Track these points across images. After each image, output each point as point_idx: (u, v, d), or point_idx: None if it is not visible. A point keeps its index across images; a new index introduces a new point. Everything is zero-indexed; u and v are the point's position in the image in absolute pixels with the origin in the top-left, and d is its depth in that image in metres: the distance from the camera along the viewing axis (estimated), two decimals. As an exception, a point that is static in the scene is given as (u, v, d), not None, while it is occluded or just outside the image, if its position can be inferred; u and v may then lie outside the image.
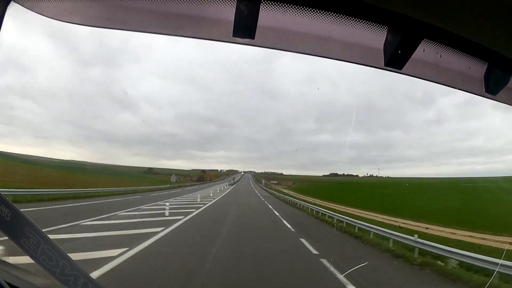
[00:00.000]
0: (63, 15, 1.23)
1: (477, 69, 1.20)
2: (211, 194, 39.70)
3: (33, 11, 1.25)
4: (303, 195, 54.88)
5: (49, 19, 1.28)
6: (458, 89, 1.20)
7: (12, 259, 1.46)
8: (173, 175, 58.86)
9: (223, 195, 40.73)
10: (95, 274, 5.70)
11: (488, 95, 1.27)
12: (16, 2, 1.29)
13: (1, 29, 1.31)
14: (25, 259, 1.22)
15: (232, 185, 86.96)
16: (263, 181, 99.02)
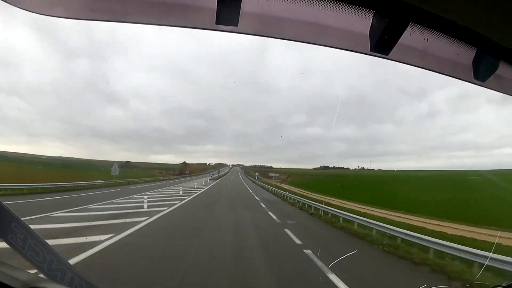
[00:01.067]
0: (46, 9, 1.21)
1: (466, 54, 1.19)
2: (168, 199, 23.51)
3: (15, 6, 1.23)
4: (314, 192, 42.99)
5: (32, 13, 1.26)
6: (447, 75, 1.19)
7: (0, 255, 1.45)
8: (115, 165, 35.20)
9: (190, 202, 23.04)
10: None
11: (477, 82, 1.26)
12: None
13: None
14: (12, 255, 1.21)
15: (216, 179, 73.24)
16: (256, 174, 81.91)
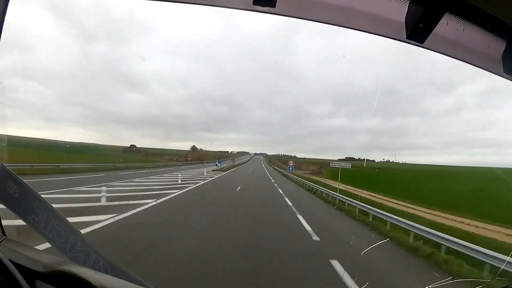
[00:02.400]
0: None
1: (496, 47, 1.18)
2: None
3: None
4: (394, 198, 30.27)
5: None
6: (477, 67, 1.19)
7: (19, 237, 1.43)
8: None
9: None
10: None
11: (506, 75, 1.25)
12: None
13: (6, 14, 1.27)
14: (34, 237, 1.19)
15: (224, 171, 47.66)
16: (290, 164, 55.63)
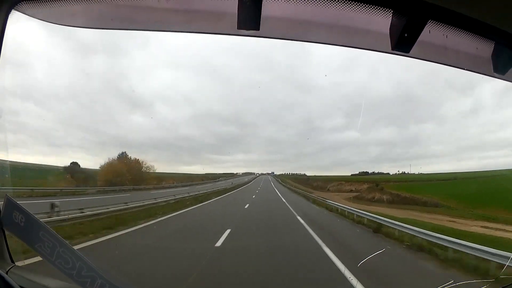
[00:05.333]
0: (66, 20, 1.24)
1: (485, 49, 1.19)
2: None
3: (35, 18, 1.26)
4: None
5: (53, 24, 1.29)
6: (466, 70, 1.19)
7: (27, 263, 1.47)
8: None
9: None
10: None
11: (497, 75, 1.25)
12: (17, 10, 1.30)
13: (4, 37, 1.32)
14: (41, 263, 1.23)
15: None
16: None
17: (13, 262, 1.36)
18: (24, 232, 1.20)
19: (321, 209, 21.57)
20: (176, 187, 38.48)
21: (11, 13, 1.28)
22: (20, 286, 0.99)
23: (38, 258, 1.23)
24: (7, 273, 1.18)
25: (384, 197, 37.22)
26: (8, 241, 1.32)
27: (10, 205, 1.20)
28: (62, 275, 1.17)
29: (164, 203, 18.33)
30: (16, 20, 1.31)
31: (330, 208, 20.67)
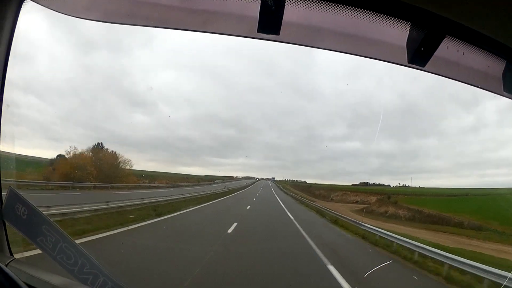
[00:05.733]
0: (79, 11, 1.22)
1: (496, 67, 1.20)
2: None
3: (49, 8, 1.24)
4: None
5: (64, 16, 1.27)
6: (478, 87, 1.21)
7: (29, 258, 1.45)
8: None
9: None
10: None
11: (506, 94, 1.27)
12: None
13: (17, 26, 1.30)
14: (40, 256, 1.20)
15: None
16: None
17: (12, 255, 1.33)
18: (25, 225, 1.18)
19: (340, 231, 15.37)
20: (158, 187, 33.49)
21: (25, 2, 1.27)
22: (21, 280, 0.98)
23: (37, 251, 1.21)
24: (7, 266, 1.15)
25: (401, 212, 31.79)
26: (8, 234, 1.30)
27: (13, 197, 1.18)
28: (63, 271, 1.15)
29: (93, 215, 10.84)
30: (29, 9, 1.29)
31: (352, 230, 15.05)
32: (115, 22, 1.15)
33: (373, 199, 41.09)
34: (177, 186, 37.07)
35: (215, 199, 26.07)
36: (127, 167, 32.83)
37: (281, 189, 60.95)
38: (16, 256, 1.32)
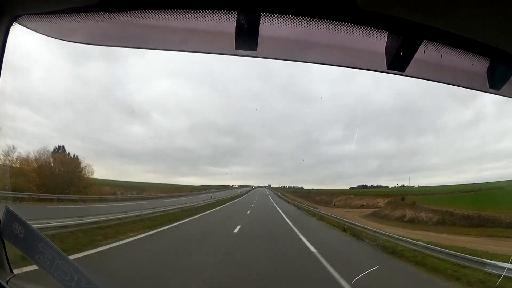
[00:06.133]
0: (66, 35, 1.25)
1: (480, 66, 1.20)
2: None
3: (37, 32, 1.27)
4: None
5: (53, 39, 1.31)
6: (462, 87, 1.21)
7: (27, 274, 1.49)
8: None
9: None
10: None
11: (492, 90, 1.27)
12: (19, 23, 1.32)
13: (6, 49, 1.34)
14: (39, 271, 1.24)
15: None
16: None
17: (12, 272, 1.38)
18: (23, 244, 1.22)
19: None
20: (130, 200, 27.85)
21: (13, 25, 1.30)
22: None
23: (36, 268, 1.25)
24: (7, 283, 1.20)
25: (424, 215, 26.59)
26: (7, 252, 1.34)
27: (10, 216, 1.22)
28: (61, 287, 1.19)
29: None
30: (18, 33, 1.33)
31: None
32: (100, 44, 1.18)
33: (380, 202, 37.21)
34: (157, 198, 31.60)
35: (194, 215, 19.23)
36: (90, 176, 27.37)
37: (279, 197, 53.58)
38: (16, 272, 1.37)
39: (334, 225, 17.34)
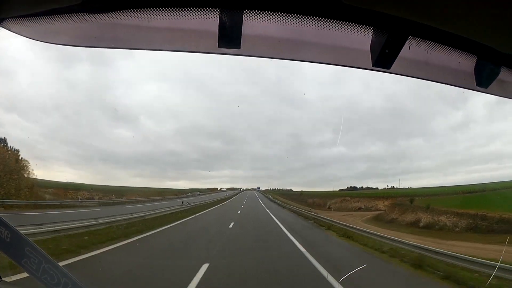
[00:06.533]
0: (51, 37, 1.24)
1: (467, 63, 1.20)
2: None
3: (21, 35, 1.26)
4: None
5: (38, 42, 1.29)
6: (449, 84, 1.21)
7: (14, 278, 1.47)
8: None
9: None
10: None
11: (480, 89, 1.27)
12: (2, 27, 1.31)
13: None
14: (28, 279, 1.22)
15: None
16: None
17: (0, 277, 1.36)
18: (10, 248, 1.20)
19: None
20: (88, 207, 23.38)
21: None
22: None
23: (25, 275, 1.23)
24: None
25: (445, 220, 21.83)
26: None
27: None
28: None
29: None
30: (1, 37, 1.32)
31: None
32: (85, 46, 1.17)
33: (379, 204, 33.99)
34: (122, 203, 27.33)
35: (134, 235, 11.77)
36: (31, 176, 23.32)
37: (271, 200, 50.33)
38: (5, 279, 1.35)
39: (361, 243, 11.82)
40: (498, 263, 6.68)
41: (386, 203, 33.35)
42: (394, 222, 25.15)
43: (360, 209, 36.18)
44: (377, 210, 33.34)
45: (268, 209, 31.11)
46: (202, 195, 51.60)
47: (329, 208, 38.15)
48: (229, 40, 0.95)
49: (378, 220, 27.53)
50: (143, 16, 0.99)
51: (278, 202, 44.41)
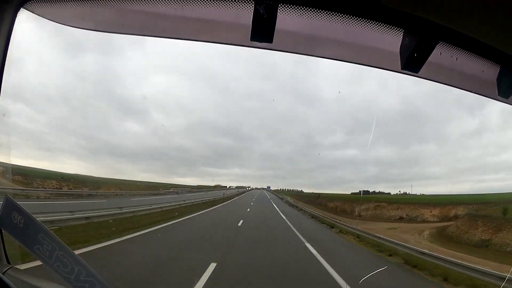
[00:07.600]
0: (74, 21, 1.23)
1: (490, 72, 1.21)
2: None
3: (44, 17, 1.24)
4: None
5: (59, 25, 1.28)
6: (472, 92, 1.21)
7: (25, 266, 1.45)
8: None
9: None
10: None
11: (500, 98, 1.27)
12: (26, 9, 1.29)
13: (12, 35, 1.31)
14: (39, 265, 1.21)
15: None
16: None
17: (9, 263, 1.34)
18: (22, 234, 1.18)
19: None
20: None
21: (20, 11, 1.28)
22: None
23: (37, 263, 1.21)
24: (4, 273, 1.16)
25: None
26: (5, 244, 1.30)
27: (10, 205, 1.18)
28: (60, 279, 1.15)
29: None
30: (25, 19, 1.30)
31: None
32: (109, 31, 1.16)
33: (426, 213, 26.76)
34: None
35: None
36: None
37: (291, 205, 37.43)
38: (14, 264, 1.32)
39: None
40: None
41: (434, 212, 26.47)
42: (488, 245, 16.99)
43: (401, 219, 28.56)
44: (424, 221, 26.10)
45: (293, 226, 16.95)
46: (200, 191, 44.39)
47: (358, 216, 29.97)
48: (262, 33, 0.94)
49: (449, 239, 18.91)
50: (172, 4, 0.98)
51: (296, 205, 35.83)
